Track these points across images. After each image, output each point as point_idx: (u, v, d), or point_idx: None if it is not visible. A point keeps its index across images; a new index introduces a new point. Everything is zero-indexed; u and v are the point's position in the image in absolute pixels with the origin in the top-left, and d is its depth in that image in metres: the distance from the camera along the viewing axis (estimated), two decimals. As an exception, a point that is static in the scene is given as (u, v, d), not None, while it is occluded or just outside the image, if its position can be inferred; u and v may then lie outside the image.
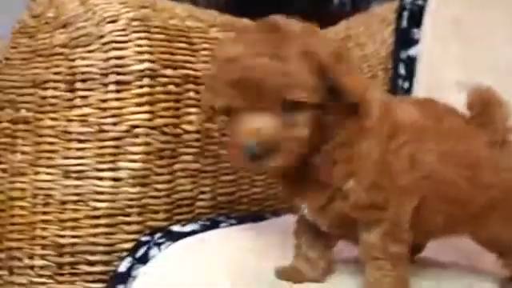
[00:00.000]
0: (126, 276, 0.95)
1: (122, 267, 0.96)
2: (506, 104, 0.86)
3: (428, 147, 0.76)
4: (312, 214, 0.78)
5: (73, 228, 1.00)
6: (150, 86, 1.00)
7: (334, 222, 0.77)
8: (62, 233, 1.00)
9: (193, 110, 1.07)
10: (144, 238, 0.99)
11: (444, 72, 1.45)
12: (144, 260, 0.95)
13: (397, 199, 0.73)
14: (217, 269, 0.87)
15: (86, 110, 0.99)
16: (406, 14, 1.53)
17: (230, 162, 0.71)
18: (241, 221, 1.09)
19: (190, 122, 1.06)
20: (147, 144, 1.01)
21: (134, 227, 1.02)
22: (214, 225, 1.05)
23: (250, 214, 1.18)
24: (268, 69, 0.66)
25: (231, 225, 1.07)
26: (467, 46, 1.47)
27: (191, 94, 1.07)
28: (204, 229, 1.03)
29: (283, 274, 0.85)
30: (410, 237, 0.76)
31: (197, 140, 1.08)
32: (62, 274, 1.01)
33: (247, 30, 0.76)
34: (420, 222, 0.76)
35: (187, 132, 1.06)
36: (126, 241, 1.01)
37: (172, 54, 1.04)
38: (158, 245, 0.97)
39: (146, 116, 1.00)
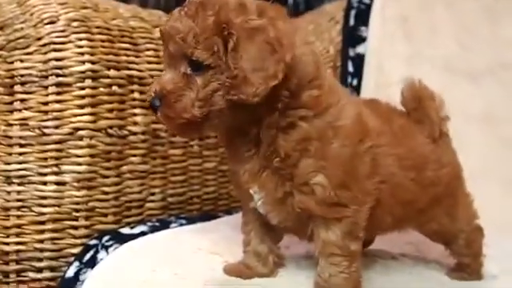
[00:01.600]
0: (74, 281, 0.93)
1: (70, 272, 0.95)
2: (438, 96, 0.88)
3: (387, 151, 0.78)
4: (267, 206, 0.77)
5: (17, 235, 0.98)
6: (93, 88, 0.99)
7: (289, 217, 0.77)
8: (7, 240, 0.98)
9: (138, 110, 1.06)
10: (92, 242, 0.98)
11: (391, 69, 1.48)
12: (92, 264, 0.94)
13: (359, 200, 0.75)
14: (165, 269, 0.87)
15: (27, 114, 0.97)
16: (353, 12, 1.55)
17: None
18: (191, 221, 1.09)
19: (135, 123, 1.06)
20: (92, 146, 0.99)
21: (82, 231, 1.00)
22: (163, 226, 1.04)
23: (201, 213, 1.17)
24: (178, 27, 0.69)
25: (181, 225, 1.06)
26: (413, 43, 1.50)
27: (136, 94, 1.06)
28: (153, 230, 1.02)
29: (233, 270, 0.84)
30: (364, 234, 0.77)
31: (144, 141, 1.07)
32: (7, 283, 0.99)
33: None
34: (373, 221, 0.78)
35: (133, 133, 1.05)
36: (74, 245, 0.99)
37: (115, 54, 1.03)
38: (106, 248, 0.95)
39: (90, 118, 0.99)
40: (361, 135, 0.75)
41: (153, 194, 1.10)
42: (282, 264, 0.86)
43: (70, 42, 0.98)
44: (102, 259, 0.93)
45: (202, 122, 0.71)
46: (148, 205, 1.09)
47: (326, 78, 0.76)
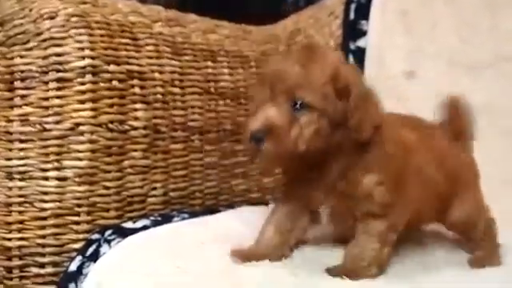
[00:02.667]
0: (77, 275, 0.93)
1: (73, 266, 0.95)
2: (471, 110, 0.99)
3: (424, 160, 0.90)
4: (330, 220, 0.88)
5: (20, 230, 0.98)
6: (93, 83, 0.99)
7: (345, 219, 0.87)
8: (9, 236, 0.98)
9: (139, 105, 1.06)
10: (94, 236, 0.98)
11: (392, 62, 1.48)
12: (94, 258, 0.94)
13: (404, 203, 0.86)
14: (168, 262, 0.87)
15: (27, 109, 0.97)
16: (353, 6, 1.55)
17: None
18: (194, 215, 1.09)
19: (136, 118, 1.06)
20: (93, 141, 0.99)
21: (84, 226, 1.00)
22: (166, 220, 1.04)
23: (203, 208, 1.17)
24: (291, 72, 0.79)
25: (184, 219, 1.06)
26: (413, 37, 1.50)
27: (136, 89, 1.06)
28: (156, 224, 1.02)
29: (239, 254, 0.87)
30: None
31: (145, 136, 1.07)
32: (11, 278, 0.99)
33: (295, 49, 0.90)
34: (419, 217, 0.92)
35: (134, 128, 1.05)
36: (77, 240, 0.99)
37: (115, 49, 1.03)
38: (109, 242, 0.95)
39: (90, 113, 0.99)
40: (406, 154, 0.86)
41: (154, 189, 1.10)
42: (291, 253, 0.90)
43: (69, 37, 0.98)
44: (104, 253, 0.93)
45: (297, 158, 0.81)
46: (150, 200, 1.09)
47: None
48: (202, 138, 1.18)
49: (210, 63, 1.21)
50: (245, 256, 0.87)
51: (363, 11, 1.54)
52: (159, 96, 1.10)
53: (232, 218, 1.08)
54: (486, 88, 1.39)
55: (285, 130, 0.78)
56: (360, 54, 1.50)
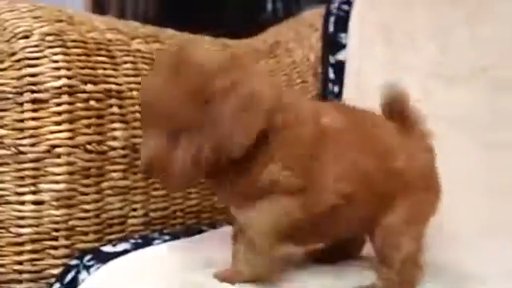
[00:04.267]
0: (55, 303, 0.91)
1: (51, 294, 0.92)
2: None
3: (350, 145, 0.81)
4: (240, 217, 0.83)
5: (-5, 257, 0.95)
6: (69, 103, 0.96)
7: None
8: (-16, 263, 0.95)
9: (117, 125, 1.03)
10: (72, 262, 0.95)
11: (371, 74, 1.48)
12: (73, 285, 0.91)
13: (320, 185, 0.78)
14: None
15: (2, 132, 0.94)
16: (332, 19, 1.55)
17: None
18: (175, 236, 1.06)
19: (115, 138, 1.03)
20: (70, 163, 0.96)
21: (63, 251, 0.97)
22: (146, 243, 1.02)
23: (185, 228, 1.15)
24: (158, 96, 0.74)
25: (165, 241, 1.03)
26: (393, 49, 1.50)
27: (115, 109, 1.03)
28: (136, 247, 0.99)
29: (223, 276, 0.85)
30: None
31: (124, 156, 1.04)
32: (-14, 307, 0.96)
33: (163, 57, 0.80)
34: (342, 220, 0.82)
35: (113, 148, 1.03)
36: (55, 266, 0.96)
37: (92, 68, 1.00)
38: (88, 268, 0.93)
39: (67, 134, 0.96)
40: (315, 139, 0.78)
41: (135, 210, 1.07)
42: None
43: (44, 56, 0.95)
44: (83, 280, 0.91)
45: (196, 176, 0.78)
46: (130, 221, 1.06)
47: (286, 107, 0.78)
48: (182, 156, 1.16)
49: (189, 79, 1.19)
50: (230, 278, 0.84)
51: (342, 24, 1.54)
52: (138, 115, 1.07)
53: (214, 239, 1.06)
54: (466, 100, 1.40)
55: (165, 162, 0.74)
56: (340, 68, 1.49)
